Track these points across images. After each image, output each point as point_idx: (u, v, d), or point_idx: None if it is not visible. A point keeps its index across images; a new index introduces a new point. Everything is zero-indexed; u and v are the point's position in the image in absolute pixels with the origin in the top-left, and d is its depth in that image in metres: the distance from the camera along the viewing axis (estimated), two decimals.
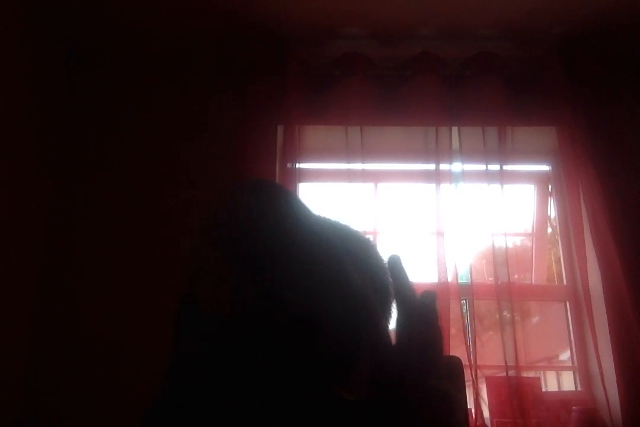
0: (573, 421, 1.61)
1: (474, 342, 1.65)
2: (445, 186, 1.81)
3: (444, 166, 1.84)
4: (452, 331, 1.65)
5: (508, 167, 1.83)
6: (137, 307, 1.70)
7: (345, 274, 0.56)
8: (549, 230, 2.05)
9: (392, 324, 0.61)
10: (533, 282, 2.00)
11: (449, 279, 1.72)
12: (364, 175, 1.83)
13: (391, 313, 0.66)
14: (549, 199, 2.02)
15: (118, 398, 1.60)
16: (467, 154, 1.87)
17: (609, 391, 1.57)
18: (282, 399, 0.50)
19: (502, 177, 1.82)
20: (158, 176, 1.87)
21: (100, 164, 1.88)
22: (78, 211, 1.83)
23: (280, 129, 1.87)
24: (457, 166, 1.86)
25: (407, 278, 0.55)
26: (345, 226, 0.74)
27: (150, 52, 1.97)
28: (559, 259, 1.93)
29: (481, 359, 1.68)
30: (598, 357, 1.59)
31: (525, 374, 1.61)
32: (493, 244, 1.75)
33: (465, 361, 1.49)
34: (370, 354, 0.52)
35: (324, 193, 2.06)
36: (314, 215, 0.65)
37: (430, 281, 1.76)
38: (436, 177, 1.82)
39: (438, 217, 1.78)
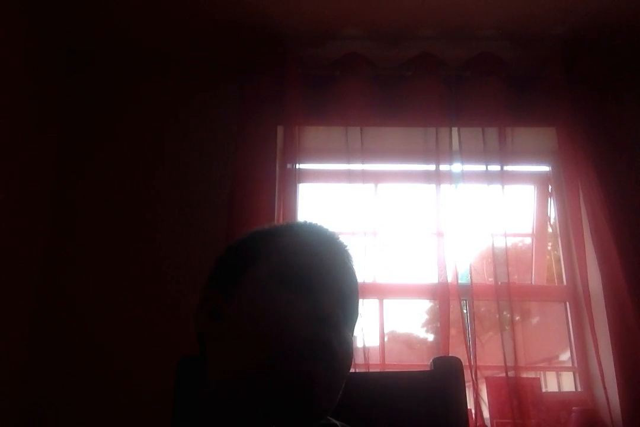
0: (573, 421, 1.61)
1: (474, 343, 1.65)
2: (445, 187, 1.82)
3: (444, 167, 1.84)
4: (452, 331, 1.65)
5: (508, 168, 1.83)
6: (139, 308, 1.70)
7: None
8: (549, 230, 2.05)
9: None
10: (533, 282, 2.00)
11: (449, 280, 1.72)
12: (364, 176, 1.83)
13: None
14: (549, 199, 2.02)
15: (118, 401, 1.61)
16: (467, 155, 1.87)
17: (609, 391, 1.57)
18: None
19: (502, 178, 1.82)
20: (157, 176, 1.87)
21: (98, 165, 1.88)
22: (77, 210, 1.82)
23: (280, 130, 1.87)
24: (457, 167, 1.86)
25: None
26: None
27: (149, 52, 1.97)
28: (559, 259, 1.93)
29: (481, 359, 1.67)
30: (598, 357, 1.59)
31: (525, 375, 1.61)
32: (493, 244, 1.75)
33: (465, 362, 1.49)
34: None
35: (324, 194, 2.06)
36: None
37: (431, 282, 1.76)
38: (436, 177, 1.82)
39: (438, 217, 1.78)
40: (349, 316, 0.68)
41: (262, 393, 0.59)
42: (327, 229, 0.76)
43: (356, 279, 0.73)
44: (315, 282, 0.65)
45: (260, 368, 0.60)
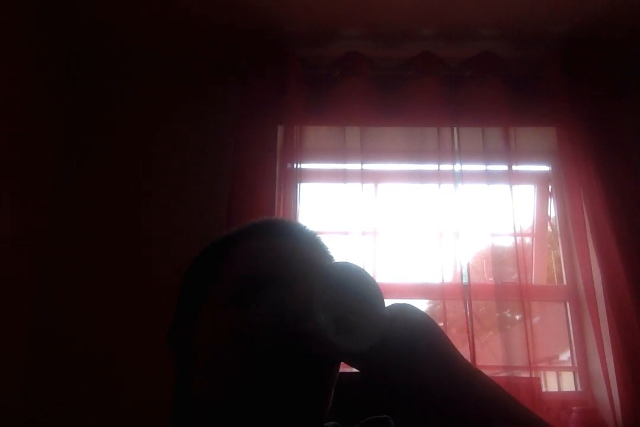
0: (573, 421, 1.61)
1: (473, 343, 1.65)
2: (445, 186, 1.81)
3: (444, 167, 1.84)
4: (452, 331, 1.65)
5: (509, 168, 1.83)
6: (137, 310, 1.70)
7: None
8: (549, 230, 2.05)
9: None
10: (533, 282, 2.00)
11: (450, 280, 1.72)
12: (364, 176, 1.83)
13: None
14: (549, 199, 2.02)
15: (117, 404, 1.61)
16: (467, 155, 1.87)
17: (610, 391, 1.57)
18: None
19: (503, 178, 1.82)
20: (156, 176, 1.87)
21: (97, 164, 1.88)
22: (76, 210, 1.82)
23: (280, 129, 1.87)
24: (457, 167, 1.86)
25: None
26: None
27: (149, 52, 1.97)
28: (559, 259, 1.93)
29: (481, 359, 1.68)
30: (603, 357, 1.59)
31: (525, 375, 1.61)
32: (493, 244, 1.75)
33: None
34: None
35: (324, 194, 2.05)
36: None
37: (431, 282, 1.76)
38: (437, 177, 1.82)
39: (438, 217, 1.78)
40: None
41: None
42: (289, 226, 0.72)
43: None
44: (279, 284, 0.59)
45: (229, 400, 0.58)
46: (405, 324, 0.54)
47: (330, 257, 0.72)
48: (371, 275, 0.54)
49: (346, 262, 0.55)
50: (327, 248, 0.72)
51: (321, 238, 0.72)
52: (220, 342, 0.59)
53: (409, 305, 0.57)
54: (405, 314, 0.55)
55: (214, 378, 0.60)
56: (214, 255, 0.69)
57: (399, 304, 0.57)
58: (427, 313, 0.58)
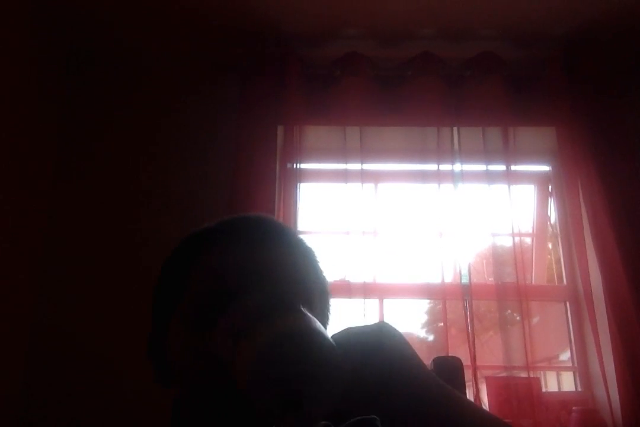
0: (573, 421, 1.61)
1: (474, 343, 1.65)
2: (445, 186, 1.81)
3: (444, 166, 1.84)
4: (453, 331, 1.65)
5: (508, 168, 1.83)
6: (136, 310, 1.70)
7: None
8: (549, 230, 2.05)
9: None
10: (533, 282, 2.00)
11: (450, 280, 1.72)
12: (364, 176, 1.83)
13: None
14: (549, 199, 2.02)
15: (117, 404, 1.60)
16: (467, 155, 1.87)
17: (609, 391, 1.57)
18: None
19: (503, 178, 1.82)
20: (156, 176, 1.87)
21: (97, 164, 1.88)
22: (75, 210, 1.82)
23: (280, 129, 1.87)
24: (457, 166, 1.86)
25: None
26: None
27: (149, 51, 1.97)
28: (559, 259, 1.93)
29: (481, 359, 1.68)
30: (600, 357, 1.59)
31: (525, 375, 1.61)
32: (493, 244, 1.75)
33: (465, 362, 1.49)
34: None
35: (324, 194, 2.05)
36: None
37: (431, 281, 1.76)
38: (437, 177, 1.82)
39: (439, 217, 1.78)
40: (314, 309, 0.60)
41: None
42: (259, 225, 0.68)
43: (306, 271, 0.65)
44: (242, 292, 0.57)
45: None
46: (376, 371, 0.49)
47: (315, 262, 0.69)
48: (321, 330, 0.48)
49: (290, 326, 0.48)
50: (313, 254, 0.69)
51: (308, 244, 0.69)
52: (185, 361, 0.60)
53: (377, 343, 0.51)
54: (372, 358, 0.50)
55: (185, 388, 0.61)
56: (187, 254, 0.70)
57: (368, 343, 0.51)
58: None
